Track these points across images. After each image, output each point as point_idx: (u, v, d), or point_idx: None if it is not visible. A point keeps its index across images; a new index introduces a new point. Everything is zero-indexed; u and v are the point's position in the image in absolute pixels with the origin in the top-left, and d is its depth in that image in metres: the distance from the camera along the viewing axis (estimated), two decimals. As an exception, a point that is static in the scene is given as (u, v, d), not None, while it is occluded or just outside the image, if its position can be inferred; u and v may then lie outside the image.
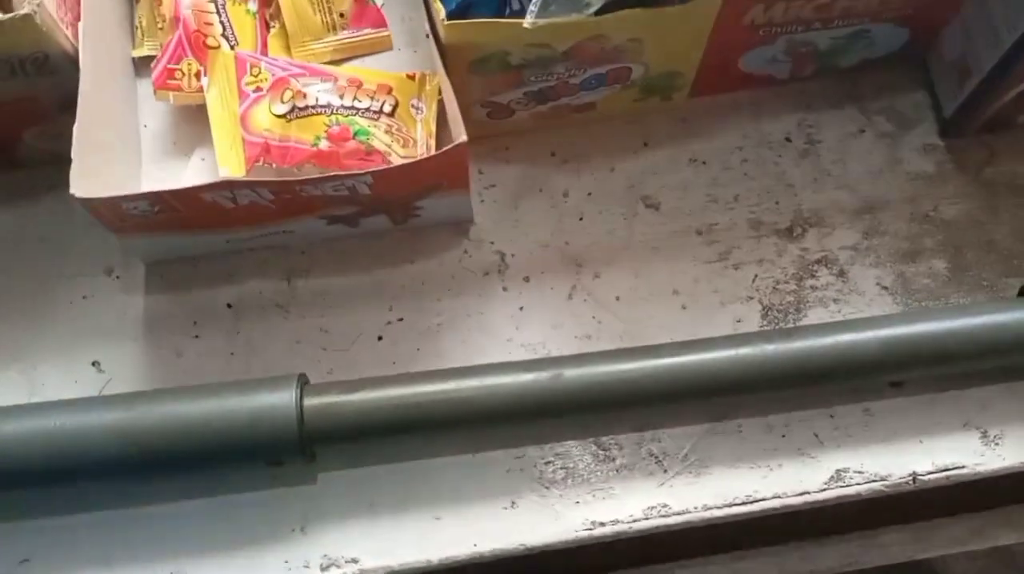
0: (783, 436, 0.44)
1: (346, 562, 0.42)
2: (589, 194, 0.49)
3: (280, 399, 0.40)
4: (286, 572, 0.42)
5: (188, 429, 0.40)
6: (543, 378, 0.42)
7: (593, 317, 0.46)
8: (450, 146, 0.39)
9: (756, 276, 0.47)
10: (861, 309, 0.46)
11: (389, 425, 0.41)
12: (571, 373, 0.42)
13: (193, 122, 0.49)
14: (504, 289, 0.47)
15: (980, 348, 0.42)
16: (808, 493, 0.43)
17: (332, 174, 0.39)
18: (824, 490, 0.43)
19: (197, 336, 0.46)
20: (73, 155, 0.39)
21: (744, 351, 0.42)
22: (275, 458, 0.41)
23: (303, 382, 0.42)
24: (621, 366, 0.42)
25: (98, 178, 0.41)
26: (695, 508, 0.43)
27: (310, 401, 0.41)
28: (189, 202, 0.40)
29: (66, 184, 0.38)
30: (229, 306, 0.46)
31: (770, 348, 0.42)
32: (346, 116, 0.46)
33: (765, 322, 0.46)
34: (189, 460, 0.40)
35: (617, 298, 0.47)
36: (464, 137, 0.39)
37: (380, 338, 0.46)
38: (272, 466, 0.42)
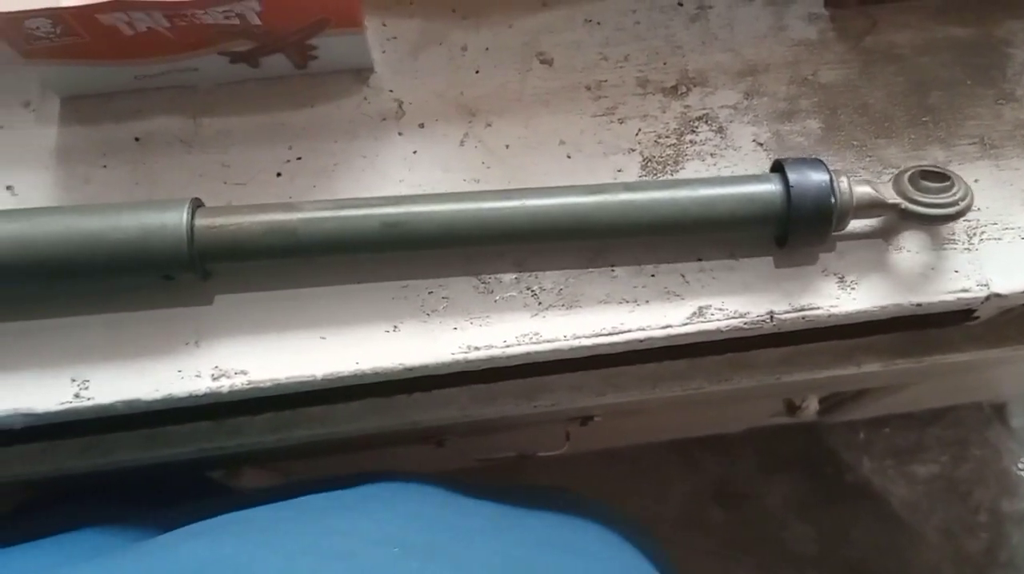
0: (652, 276, 0.47)
1: (236, 374, 0.45)
2: (487, 49, 0.51)
3: (172, 217, 0.43)
4: (179, 379, 0.45)
5: (84, 240, 0.43)
6: (425, 210, 0.45)
7: (482, 163, 0.49)
8: (332, -25, 0.41)
9: (639, 130, 0.50)
10: (736, 163, 0.49)
11: (273, 244, 0.44)
12: (451, 207, 0.45)
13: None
14: (399, 134, 0.49)
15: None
16: (671, 326, 0.46)
17: (219, -2, 0.41)
18: (686, 324, 0.46)
19: (105, 166, 0.48)
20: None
21: (618, 196, 0.45)
22: (167, 272, 0.44)
23: (196, 204, 0.45)
24: (501, 203, 0.45)
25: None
26: (564, 337, 0.46)
27: (201, 220, 0.44)
28: (87, 23, 0.42)
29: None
30: (137, 140, 0.49)
31: (641, 196, 0.45)
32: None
33: (644, 172, 0.49)
34: (86, 269, 0.43)
35: (507, 146, 0.49)
36: (346, -32, 0.41)
37: (279, 175, 0.49)
38: (166, 280, 0.44)
